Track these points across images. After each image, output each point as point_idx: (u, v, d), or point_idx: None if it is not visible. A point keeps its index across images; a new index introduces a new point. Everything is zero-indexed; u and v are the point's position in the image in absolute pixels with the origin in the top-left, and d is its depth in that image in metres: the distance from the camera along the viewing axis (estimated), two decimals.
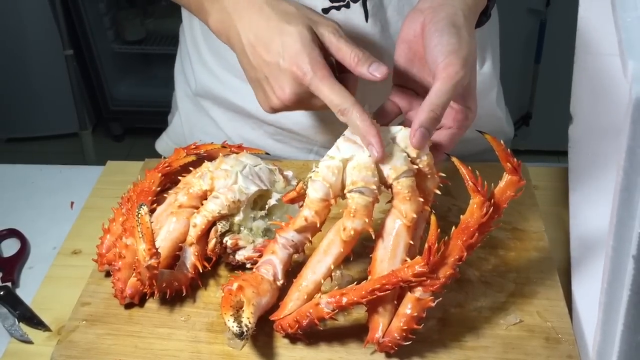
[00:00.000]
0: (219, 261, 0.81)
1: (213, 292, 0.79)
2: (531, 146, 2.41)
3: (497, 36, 1.01)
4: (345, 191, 0.69)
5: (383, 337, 0.68)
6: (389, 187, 0.68)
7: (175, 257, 0.79)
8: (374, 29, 0.84)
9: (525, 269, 0.80)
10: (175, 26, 1.12)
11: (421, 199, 0.68)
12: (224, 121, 1.01)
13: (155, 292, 0.75)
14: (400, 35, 0.73)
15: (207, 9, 0.76)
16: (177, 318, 0.76)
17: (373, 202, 0.68)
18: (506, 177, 0.69)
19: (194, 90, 1.03)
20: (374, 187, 0.68)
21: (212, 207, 0.78)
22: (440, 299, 0.67)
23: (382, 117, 0.74)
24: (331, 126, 0.94)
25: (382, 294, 0.65)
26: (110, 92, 2.77)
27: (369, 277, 0.68)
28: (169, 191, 0.84)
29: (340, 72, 0.73)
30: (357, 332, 0.72)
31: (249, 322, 0.67)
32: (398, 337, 0.67)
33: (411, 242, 0.68)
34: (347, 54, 0.70)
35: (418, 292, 0.66)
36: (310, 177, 0.69)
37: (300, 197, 0.72)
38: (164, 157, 0.87)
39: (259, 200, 0.82)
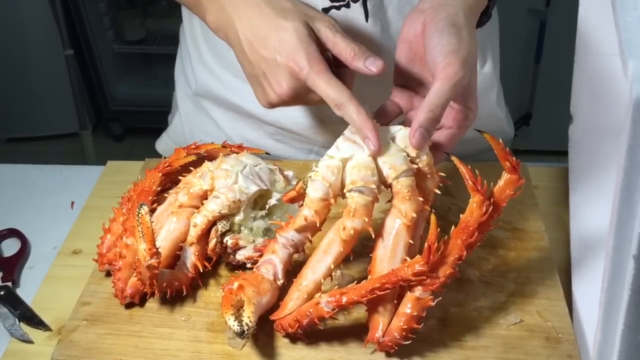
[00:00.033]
0: (219, 261, 0.81)
1: (213, 292, 0.79)
2: (531, 146, 2.41)
3: (497, 36, 1.01)
4: (345, 191, 0.69)
5: (383, 337, 0.68)
6: (389, 186, 0.68)
7: (176, 257, 0.79)
8: (374, 28, 0.84)
9: (526, 269, 0.80)
10: (175, 26, 1.12)
11: (421, 199, 0.68)
12: (224, 121, 1.01)
13: (156, 292, 0.75)
14: (401, 35, 0.74)
15: (205, 7, 0.76)
16: (177, 318, 0.76)
17: (373, 202, 0.68)
18: (505, 176, 0.68)
19: (194, 90, 1.03)
20: (374, 186, 0.68)
21: (213, 207, 0.78)
22: (440, 298, 0.67)
23: (383, 117, 0.74)
24: (331, 126, 0.94)
25: (382, 293, 0.65)
26: (111, 92, 2.77)
27: (369, 277, 0.68)
28: (170, 191, 0.83)
29: (337, 67, 0.73)
30: (357, 332, 0.72)
31: (250, 321, 0.67)
32: (398, 337, 0.67)
33: (411, 241, 0.68)
34: (343, 48, 0.70)
35: (418, 291, 0.66)
36: (310, 177, 0.69)
37: (300, 197, 0.72)
38: (164, 157, 0.87)
39: (259, 200, 0.82)
